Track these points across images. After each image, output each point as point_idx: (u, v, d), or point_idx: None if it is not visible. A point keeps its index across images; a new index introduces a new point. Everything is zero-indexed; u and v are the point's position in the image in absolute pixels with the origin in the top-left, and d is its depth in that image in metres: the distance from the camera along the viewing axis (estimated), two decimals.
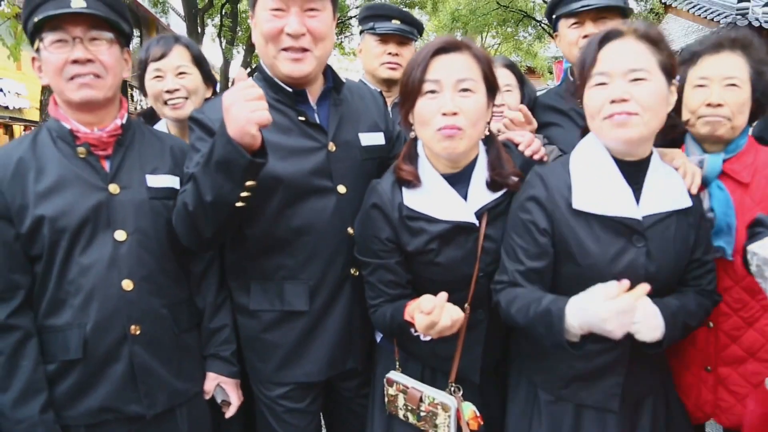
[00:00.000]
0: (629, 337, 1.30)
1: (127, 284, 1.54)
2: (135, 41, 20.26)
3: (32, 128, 12.99)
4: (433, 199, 1.52)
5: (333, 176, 1.65)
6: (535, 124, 1.92)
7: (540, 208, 1.42)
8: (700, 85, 1.62)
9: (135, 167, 1.62)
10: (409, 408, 1.60)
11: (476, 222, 1.51)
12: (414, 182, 1.52)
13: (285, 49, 1.59)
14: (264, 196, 1.58)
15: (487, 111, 1.52)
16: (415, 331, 1.42)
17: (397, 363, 1.67)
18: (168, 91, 2.03)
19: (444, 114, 1.43)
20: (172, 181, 1.66)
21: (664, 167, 1.48)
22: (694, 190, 1.49)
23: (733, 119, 1.58)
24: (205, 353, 1.73)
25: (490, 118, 1.55)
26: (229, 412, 1.75)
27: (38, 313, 1.54)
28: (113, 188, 1.57)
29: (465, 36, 21.89)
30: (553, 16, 2.13)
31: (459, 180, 1.54)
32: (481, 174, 1.55)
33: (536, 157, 1.70)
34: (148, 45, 2.08)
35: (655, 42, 1.38)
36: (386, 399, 1.66)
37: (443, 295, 1.34)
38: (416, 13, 20.40)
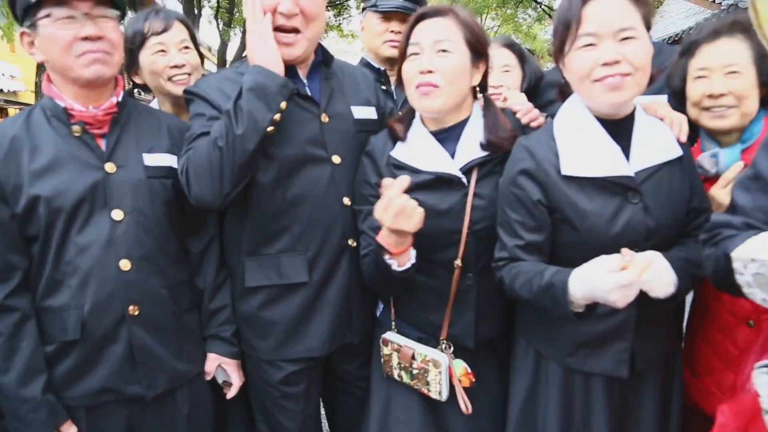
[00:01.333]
0: (635, 300, 1.29)
1: (125, 264, 1.51)
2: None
3: None
4: (418, 152, 1.57)
5: (327, 146, 1.66)
6: (517, 74, 1.95)
7: (531, 181, 1.41)
8: (701, 77, 1.58)
9: (131, 146, 1.59)
10: (402, 366, 1.62)
11: (461, 176, 1.53)
12: (400, 136, 1.60)
13: (276, 29, 1.57)
14: (260, 168, 1.58)
15: (472, 72, 1.55)
16: (389, 256, 1.45)
17: (393, 324, 1.69)
18: (174, 66, 1.95)
19: (421, 72, 1.49)
20: (169, 160, 1.63)
21: (650, 120, 1.46)
22: (684, 138, 1.47)
23: (741, 106, 1.52)
24: (205, 334, 1.72)
25: (480, 81, 1.59)
26: (231, 393, 1.75)
27: (36, 294, 1.52)
28: (109, 167, 1.53)
29: None
30: None
31: (449, 138, 1.57)
32: (473, 133, 1.57)
33: (534, 124, 1.70)
34: (145, 17, 1.98)
35: None
36: (382, 360, 1.67)
37: (403, 179, 1.37)
38: None
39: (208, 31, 19.37)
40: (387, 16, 2.39)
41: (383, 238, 1.42)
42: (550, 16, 17.62)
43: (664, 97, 1.74)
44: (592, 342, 1.44)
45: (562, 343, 1.48)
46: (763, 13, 1.16)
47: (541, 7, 18.04)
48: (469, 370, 1.57)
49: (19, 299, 1.49)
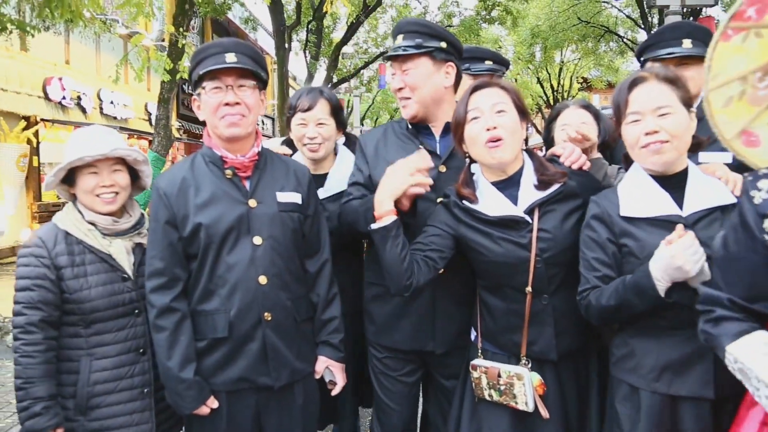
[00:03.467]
0: None
1: (262, 279, 1.90)
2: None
3: (134, 137, 14.20)
4: (485, 202, 1.88)
5: (438, 190, 2.03)
6: (593, 140, 2.23)
7: (599, 222, 1.73)
8: None
9: (268, 186, 1.99)
10: (491, 384, 1.89)
11: (525, 216, 1.84)
12: (473, 200, 1.89)
13: (400, 99, 2.16)
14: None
15: (522, 128, 1.89)
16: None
17: (479, 351, 1.98)
18: (309, 137, 2.48)
19: (488, 129, 1.82)
20: (295, 197, 2.02)
21: (705, 177, 1.71)
22: (738, 193, 1.64)
23: None
24: (317, 340, 2.08)
25: (527, 135, 1.93)
26: (335, 391, 2.10)
27: (192, 300, 1.93)
28: (252, 203, 1.94)
29: (544, 51, 21.72)
30: (641, 59, 2.40)
31: (509, 185, 1.90)
32: (529, 178, 1.89)
33: (575, 166, 1.98)
34: (299, 95, 2.54)
35: (673, 81, 1.67)
36: (473, 384, 1.95)
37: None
38: (496, 28, 20.50)
39: (295, 63, 20.49)
40: (478, 77, 2.74)
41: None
42: (632, 50, 17.42)
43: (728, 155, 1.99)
44: (674, 365, 1.62)
45: (647, 369, 1.66)
46: (715, 105, 1.47)
47: (623, 40, 17.92)
48: (543, 381, 1.84)
49: (180, 303, 1.91)
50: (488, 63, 2.77)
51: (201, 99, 1.95)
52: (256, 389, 1.94)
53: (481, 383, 1.92)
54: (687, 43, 2.26)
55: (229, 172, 1.96)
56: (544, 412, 1.82)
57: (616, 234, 1.71)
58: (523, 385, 1.82)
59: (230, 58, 1.89)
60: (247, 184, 1.98)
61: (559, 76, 25.20)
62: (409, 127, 2.21)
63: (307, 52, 17.72)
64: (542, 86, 26.13)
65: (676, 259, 1.48)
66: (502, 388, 1.86)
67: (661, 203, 1.68)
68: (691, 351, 1.59)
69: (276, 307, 1.93)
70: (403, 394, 2.21)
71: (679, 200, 1.67)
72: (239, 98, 1.91)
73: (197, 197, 1.92)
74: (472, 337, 2.07)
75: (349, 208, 2.16)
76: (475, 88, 1.89)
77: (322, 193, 2.41)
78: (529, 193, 1.87)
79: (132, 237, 2.03)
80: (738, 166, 1.93)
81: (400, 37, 2.13)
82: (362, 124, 26.45)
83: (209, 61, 1.90)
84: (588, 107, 2.40)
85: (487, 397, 1.91)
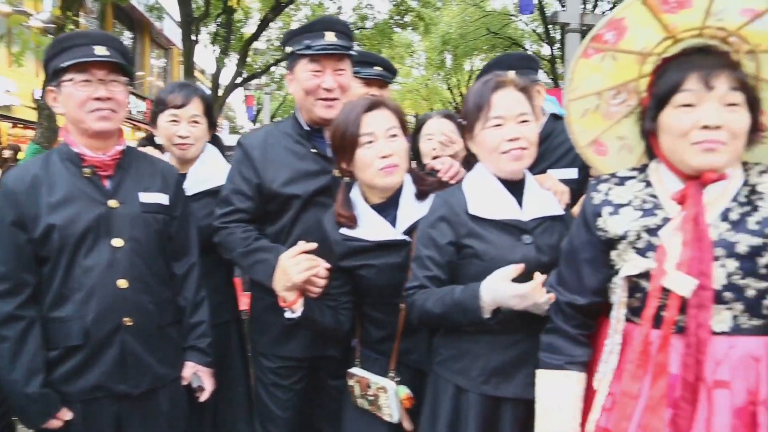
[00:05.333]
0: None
1: (122, 283, 1.82)
2: (128, 42, 20.39)
3: (19, 126, 13.13)
4: (364, 227, 1.88)
5: (333, 196, 2.01)
6: (459, 143, 2.30)
7: (445, 223, 1.71)
8: None
9: (131, 186, 1.91)
10: (362, 394, 1.91)
11: (404, 237, 1.86)
12: (353, 225, 1.88)
13: (321, 99, 2.09)
14: (282, 210, 2.12)
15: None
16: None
17: (357, 360, 2.00)
18: (180, 136, 2.33)
19: (383, 157, 1.81)
20: (160, 198, 1.96)
21: (538, 187, 1.81)
22: (563, 205, 1.80)
23: None
24: (184, 345, 2.01)
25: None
26: (203, 397, 2.04)
27: (43, 306, 1.81)
28: (112, 203, 1.85)
29: (454, 58, 22.32)
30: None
31: (388, 206, 1.91)
32: (408, 195, 1.91)
33: (453, 181, 2.04)
34: (170, 90, 2.38)
35: (528, 91, 1.76)
36: (349, 390, 1.97)
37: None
38: (408, 33, 20.85)
39: (204, 55, 19.79)
40: (368, 82, 2.72)
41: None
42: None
43: (574, 170, 2.20)
44: (502, 369, 1.68)
45: (477, 372, 1.69)
46: (573, 115, 1.61)
47: (528, 53, 18.82)
48: (411, 395, 1.85)
49: (27, 310, 1.78)
50: (377, 69, 2.76)
51: (63, 91, 1.83)
52: (115, 397, 1.85)
53: (354, 391, 1.95)
54: None
55: (87, 170, 1.86)
56: (408, 425, 1.86)
57: (461, 234, 1.71)
58: (388, 398, 1.85)
59: (101, 50, 1.80)
60: (108, 183, 1.89)
61: (468, 83, 26.05)
62: (306, 128, 2.17)
63: (216, 45, 17.15)
64: (452, 92, 26.90)
65: (510, 301, 1.54)
66: (371, 398, 1.90)
67: (507, 207, 1.73)
68: (517, 355, 1.67)
69: (137, 311, 1.85)
70: (294, 402, 2.19)
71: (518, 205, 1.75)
72: (111, 93, 1.83)
73: (50, 196, 1.80)
74: (353, 342, 2.08)
75: (231, 242, 2.10)
76: (367, 109, 1.85)
77: None
78: (408, 212, 1.88)
79: None
80: (581, 181, 2.10)
81: (330, 34, 2.08)
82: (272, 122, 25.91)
83: (76, 52, 1.79)
84: (450, 117, 2.47)
85: (359, 405, 1.94)
